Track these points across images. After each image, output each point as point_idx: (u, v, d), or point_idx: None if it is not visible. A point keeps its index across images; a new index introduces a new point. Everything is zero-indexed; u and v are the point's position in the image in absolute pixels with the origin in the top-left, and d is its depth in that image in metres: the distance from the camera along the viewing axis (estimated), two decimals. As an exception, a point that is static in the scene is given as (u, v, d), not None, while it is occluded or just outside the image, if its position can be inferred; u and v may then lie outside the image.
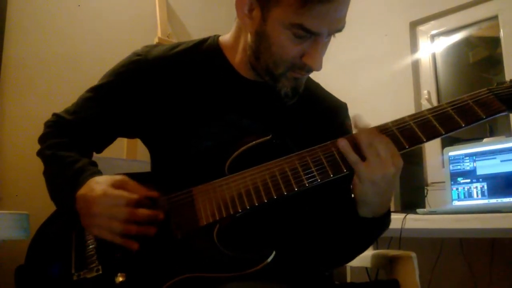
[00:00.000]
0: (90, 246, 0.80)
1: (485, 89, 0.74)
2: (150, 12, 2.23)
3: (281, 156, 0.77)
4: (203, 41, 0.95)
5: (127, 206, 0.74)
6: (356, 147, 0.72)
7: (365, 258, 1.20)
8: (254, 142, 0.80)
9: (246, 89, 0.89)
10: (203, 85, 0.89)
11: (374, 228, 0.80)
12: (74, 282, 0.77)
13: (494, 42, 2.17)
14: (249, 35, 0.83)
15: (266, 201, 0.74)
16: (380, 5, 2.41)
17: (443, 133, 0.71)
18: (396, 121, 0.75)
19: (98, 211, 0.75)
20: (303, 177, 0.73)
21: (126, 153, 1.85)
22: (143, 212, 0.75)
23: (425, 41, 2.32)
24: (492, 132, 1.95)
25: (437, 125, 0.71)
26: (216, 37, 0.95)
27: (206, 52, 0.92)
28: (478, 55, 2.31)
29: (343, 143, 0.73)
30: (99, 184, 0.77)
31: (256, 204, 0.74)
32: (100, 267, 0.77)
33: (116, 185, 0.77)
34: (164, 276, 0.75)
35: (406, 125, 0.73)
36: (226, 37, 0.93)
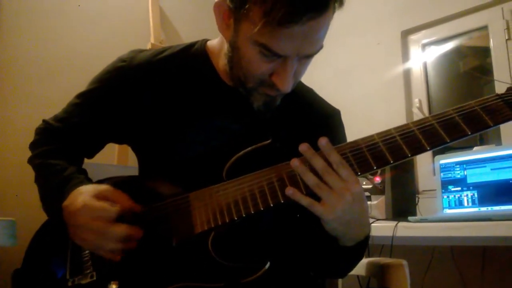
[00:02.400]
0: (86, 252, 0.79)
1: (494, 95, 0.69)
2: (144, 17, 2.22)
3: (281, 162, 0.75)
4: (191, 45, 0.93)
5: (106, 220, 0.73)
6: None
7: (356, 266, 1.19)
8: (254, 146, 0.78)
9: (230, 96, 0.87)
10: (188, 91, 0.88)
11: (360, 250, 0.79)
12: None
13: (484, 52, 2.19)
14: (226, 43, 0.82)
15: (262, 209, 0.72)
16: (372, 14, 2.43)
17: (448, 141, 0.67)
18: (399, 127, 0.71)
19: (78, 223, 0.74)
20: (301, 184, 0.71)
21: (117, 159, 1.84)
22: (120, 230, 0.73)
23: (416, 50, 2.34)
24: (482, 140, 1.96)
25: (442, 133, 0.68)
26: (204, 41, 0.93)
27: (193, 57, 0.91)
28: (469, 64, 2.33)
29: (290, 192, 0.69)
30: (81, 195, 0.75)
31: (252, 212, 0.73)
32: (94, 273, 0.77)
33: (99, 196, 0.75)
34: (157, 284, 0.74)
35: (409, 132, 0.70)
36: (214, 42, 0.92)
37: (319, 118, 0.92)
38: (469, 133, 0.67)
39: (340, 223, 0.70)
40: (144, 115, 0.88)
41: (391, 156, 0.69)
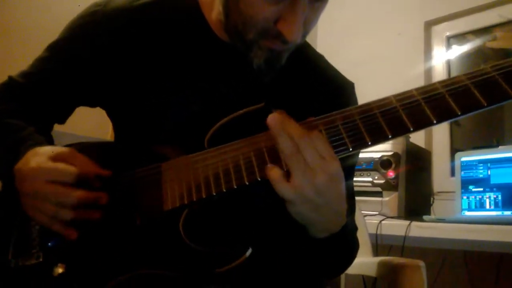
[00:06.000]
0: (35, 227, 0.67)
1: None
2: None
3: None
4: None
5: (62, 184, 0.62)
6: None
7: (363, 265, 1.08)
8: (243, 110, 0.65)
9: (224, 52, 0.75)
10: (173, 46, 0.75)
11: (336, 245, 0.65)
12: (11, 270, 0.65)
13: (508, 55, 2.06)
14: None
15: (247, 183, 0.60)
16: (393, 1, 2.30)
17: (459, 114, 0.55)
18: (399, 95, 0.61)
19: (30, 188, 0.63)
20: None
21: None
22: (79, 193, 0.62)
23: (440, 43, 2.20)
24: (498, 144, 1.82)
25: (452, 103, 0.55)
26: None
27: (180, 7, 0.78)
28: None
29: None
30: (36, 156, 0.64)
31: (235, 187, 0.60)
32: (41, 254, 0.65)
33: (56, 158, 0.64)
34: (113, 270, 0.62)
35: (413, 103, 0.58)
36: None
37: (327, 86, 0.79)
38: (485, 105, 0.54)
39: (309, 208, 0.57)
40: (120, 70, 0.75)
41: (411, 123, 0.57)
